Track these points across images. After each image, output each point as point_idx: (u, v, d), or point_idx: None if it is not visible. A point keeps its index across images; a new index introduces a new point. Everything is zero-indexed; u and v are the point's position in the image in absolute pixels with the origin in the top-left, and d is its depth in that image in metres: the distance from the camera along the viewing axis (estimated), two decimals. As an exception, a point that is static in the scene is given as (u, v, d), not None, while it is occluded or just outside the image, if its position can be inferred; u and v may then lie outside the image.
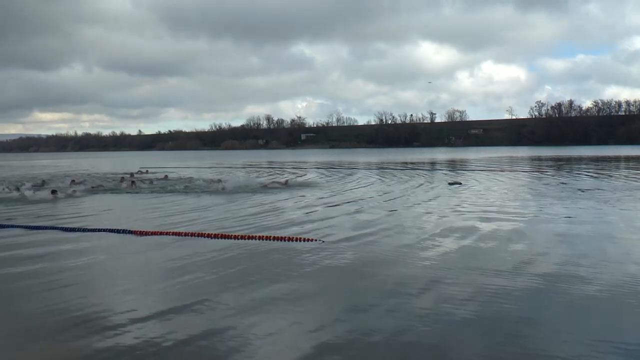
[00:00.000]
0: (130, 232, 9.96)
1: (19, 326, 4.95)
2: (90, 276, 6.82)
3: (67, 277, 6.61)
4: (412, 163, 44.17)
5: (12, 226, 10.84)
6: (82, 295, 5.84)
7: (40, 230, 10.33)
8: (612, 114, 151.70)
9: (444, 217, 11.38)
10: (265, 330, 4.70)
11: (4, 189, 19.17)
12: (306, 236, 9.09)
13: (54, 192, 17.18)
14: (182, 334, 4.62)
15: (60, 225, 10.83)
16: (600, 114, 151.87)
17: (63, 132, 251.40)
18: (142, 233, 9.78)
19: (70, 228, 10.53)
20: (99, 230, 10.22)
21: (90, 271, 7.09)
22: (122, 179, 24.15)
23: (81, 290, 6.03)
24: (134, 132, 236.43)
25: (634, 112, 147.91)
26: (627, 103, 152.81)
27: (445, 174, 28.02)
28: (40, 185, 22.04)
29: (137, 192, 18.99)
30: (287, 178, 24.28)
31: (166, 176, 26.39)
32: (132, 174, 28.16)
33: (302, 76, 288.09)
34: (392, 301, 5.51)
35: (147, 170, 33.20)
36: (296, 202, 14.80)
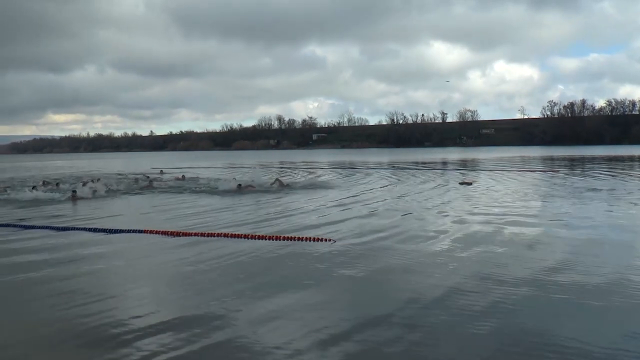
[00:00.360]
0: (141, 231, 10.01)
1: (36, 333, 4.92)
2: (103, 280, 6.78)
3: (79, 281, 6.60)
4: (423, 163, 43.98)
5: (31, 227, 10.89)
6: (92, 300, 5.81)
7: (57, 231, 10.35)
8: (626, 113, 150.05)
9: (458, 220, 11.25)
10: (279, 339, 4.63)
11: (23, 190, 19.35)
12: (320, 236, 9.03)
13: (74, 193, 17.30)
14: (195, 342, 4.57)
15: (78, 226, 10.86)
16: (614, 114, 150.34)
17: (76, 133, 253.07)
18: (152, 232, 9.80)
19: (88, 228, 10.55)
20: (114, 231, 10.23)
21: (102, 275, 7.05)
22: (137, 180, 24.22)
23: (92, 295, 5.99)
24: (145, 133, 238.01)
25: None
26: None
27: (461, 173, 27.84)
28: (55, 185, 22.21)
29: (153, 193, 19.11)
30: (303, 178, 24.34)
31: (183, 176, 26.49)
32: (148, 176, 28.29)
33: (314, 76, 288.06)
34: (406, 309, 5.42)
35: (161, 171, 33.36)
36: (313, 203, 14.75)
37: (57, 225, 11.21)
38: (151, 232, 10.06)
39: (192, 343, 4.57)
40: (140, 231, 10.19)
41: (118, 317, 5.25)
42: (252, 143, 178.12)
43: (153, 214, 13.74)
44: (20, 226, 11.16)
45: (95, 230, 10.57)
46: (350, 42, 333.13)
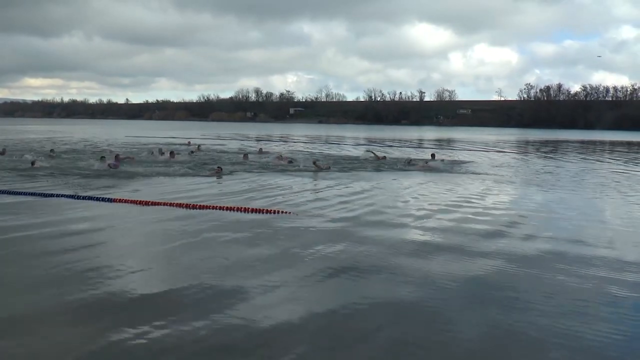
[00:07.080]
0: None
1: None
2: (94, 239, 7.09)
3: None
4: (399, 140, 44.56)
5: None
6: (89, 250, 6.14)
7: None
8: (600, 99, 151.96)
9: (423, 198, 11.76)
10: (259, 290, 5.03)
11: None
12: (282, 209, 9.43)
13: (219, 169, 15.61)
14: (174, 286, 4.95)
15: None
16: (588, 99, 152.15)
17: (49, 98, 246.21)
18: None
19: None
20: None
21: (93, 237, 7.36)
22: (246, 156, 21.21)
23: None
24: (121, 101, 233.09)
25: (621, 98, 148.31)
26: (615, 89, 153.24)
27: (431, 154, 28.41)
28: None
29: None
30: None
31: (261, 149, 24.78)
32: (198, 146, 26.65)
33: (298, 52, 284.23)
34: (381, 266, 5.87)
35: (188, 142, 30.77)
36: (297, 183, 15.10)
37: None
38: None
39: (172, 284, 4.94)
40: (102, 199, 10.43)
41: (105, 262, 5.58)
42: (229, 115, 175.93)
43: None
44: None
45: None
46: (340, 20, 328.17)
